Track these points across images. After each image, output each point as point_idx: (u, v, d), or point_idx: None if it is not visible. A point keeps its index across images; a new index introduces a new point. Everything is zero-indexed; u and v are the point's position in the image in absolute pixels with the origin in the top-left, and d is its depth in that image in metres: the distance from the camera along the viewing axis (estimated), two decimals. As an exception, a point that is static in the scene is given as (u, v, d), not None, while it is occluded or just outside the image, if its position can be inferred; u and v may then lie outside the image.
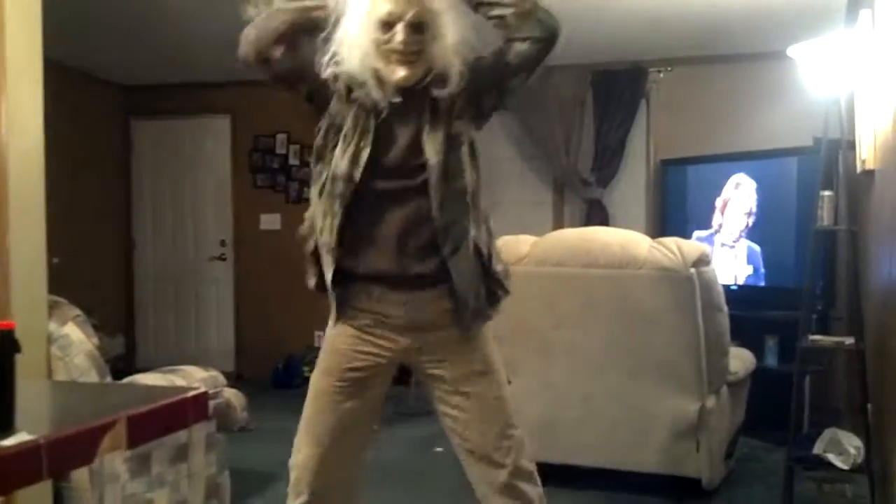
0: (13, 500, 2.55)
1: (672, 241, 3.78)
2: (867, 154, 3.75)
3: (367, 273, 2.23)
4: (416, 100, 2.16)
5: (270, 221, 7.48)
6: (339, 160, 2.16)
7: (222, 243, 7.62)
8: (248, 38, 2.23)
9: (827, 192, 4.12)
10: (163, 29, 5.83)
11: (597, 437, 3.89)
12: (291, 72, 2.27)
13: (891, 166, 2.93)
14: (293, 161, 7.44)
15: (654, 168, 6.71)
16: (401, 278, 2.20)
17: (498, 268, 2.28)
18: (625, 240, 3.87)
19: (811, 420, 4.87)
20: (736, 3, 5.18)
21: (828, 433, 4.24)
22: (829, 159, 4.38)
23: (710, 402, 3.79)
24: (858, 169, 4.23)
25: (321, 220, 2.22)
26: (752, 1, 5.12)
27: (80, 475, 2.79)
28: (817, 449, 4.23)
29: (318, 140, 2.25)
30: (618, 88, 6.63)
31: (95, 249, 7.19)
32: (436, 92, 2.14)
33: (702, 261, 3.72)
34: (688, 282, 3.64)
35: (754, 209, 5.69)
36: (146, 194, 7.81)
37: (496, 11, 2.17)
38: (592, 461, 3.95)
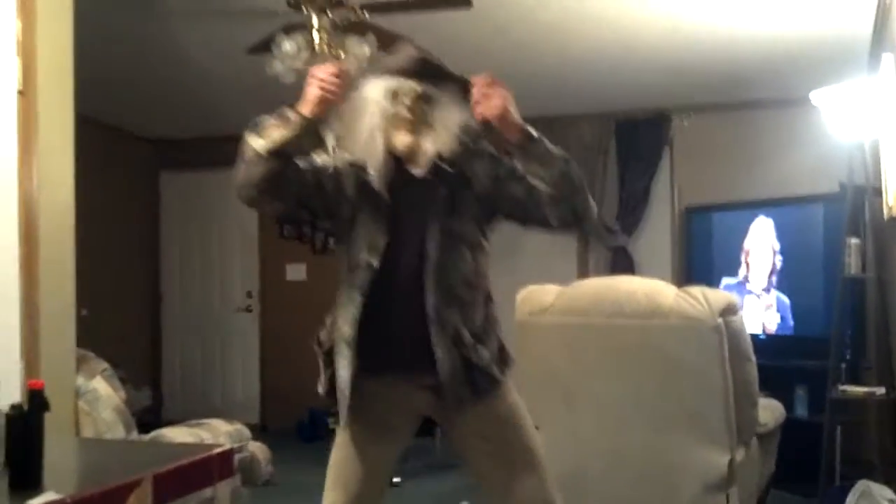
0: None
1: (698, 290, 3.75)
2: (894, 201, 3.72)
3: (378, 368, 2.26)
4: (423, 187, 2.20)
5: (296, 272, 7.52)
6: (360, 250, 2.19)
7: (248, 294, 7.66)
8: (237, 181, 2.23)
9: (854, 240, 4.10)
10: (190, 84, 5.94)
11: (624, 491, 3.83)
12: (291, 213, 2.35)
13: (918, 214, 2.91)
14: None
15: (678, 215, 6.70)
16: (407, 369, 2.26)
17: (483, 355, 2.25)
18: (650, 289, 3.84)
19: (842, 472, 4.77)
20: (758, 51, 5.20)
21: (860, 485, 4.16)
22: (855, 206, 4.36)
23: (740, 454, 3.72)
24: (885, 215, 4.20)
25: (341, 310, 2.25)
26: (774, 48, 5.14)
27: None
28: (849, 501, 4.16)
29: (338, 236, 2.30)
30: (641, 136, 6.65)
31: (123, 301, 7.25)
32: (413, 170, 2.19)
33: (729, 310, 3.68)
34: (715, 331, 3.60)
35: (778, 255, 5.65)
36: (174, 246, 7.89)
37: (529, 176, 2.16)
38: (620, 515, 3.89)
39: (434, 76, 2.24)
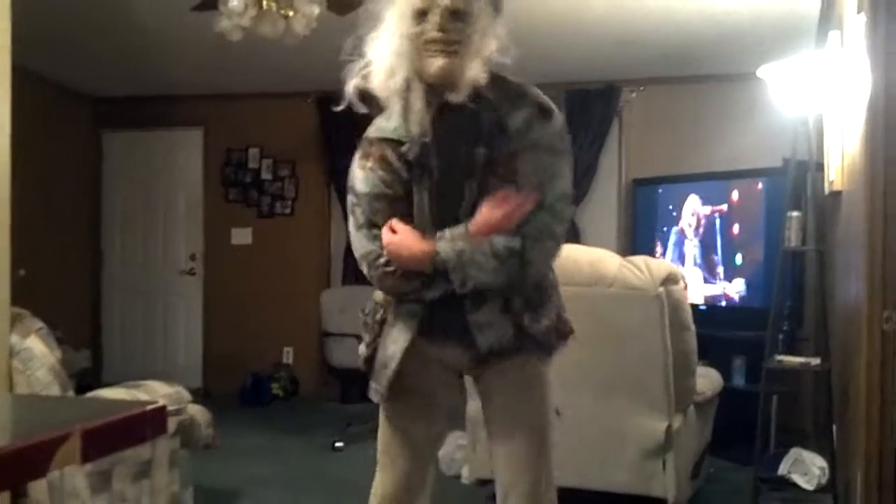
0: (-32, 515, 2.50)
1: (641, 260, 3.79)
2: (835, 175, 3.79)
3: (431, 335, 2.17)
4: (465, 120, 1.97)
5: (242, 236, 7.44)
6: (417, 215, 2.05)
7: (192, 257, 7.56)
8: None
9: (795, 213, 4.16)
10: (135, 41, 5.80)
11: (566, 456, 3.85)
12: None
13: (858, 188, 2.96)
14: (266, 175, 7.40)
15: (625, 187, 6.75)
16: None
17: (544, 333, 2.16)
18: (594, 258, 3.88)
19: (778, 440, 4.90)
20: (707, 25, 5.24)
21: (793, 453, 4.27)
22: (798, 180, 4.43)
23: (678, 421, 3.79)
24: (826, 190, 4.28)
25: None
26: (723, 22, 5.17)
27: (39, 490, 2.74)
28: (782, 469, 4.26)
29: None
30: (590, 107, 6.67)
31: (63, 262, 7.11)
32: (448, 96, 1.94)
33: (670, 279, 3.74)
34: (656, 300, 3.65)
35: (716, 226, 5.73)
36: (116, 207, 7.74)
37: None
38: (561, 481, 3.93)
39: None
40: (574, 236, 6.58)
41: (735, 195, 5.67)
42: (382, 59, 1.96)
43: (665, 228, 6.16)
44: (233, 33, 4.23)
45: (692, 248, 5.93)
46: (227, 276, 7.41)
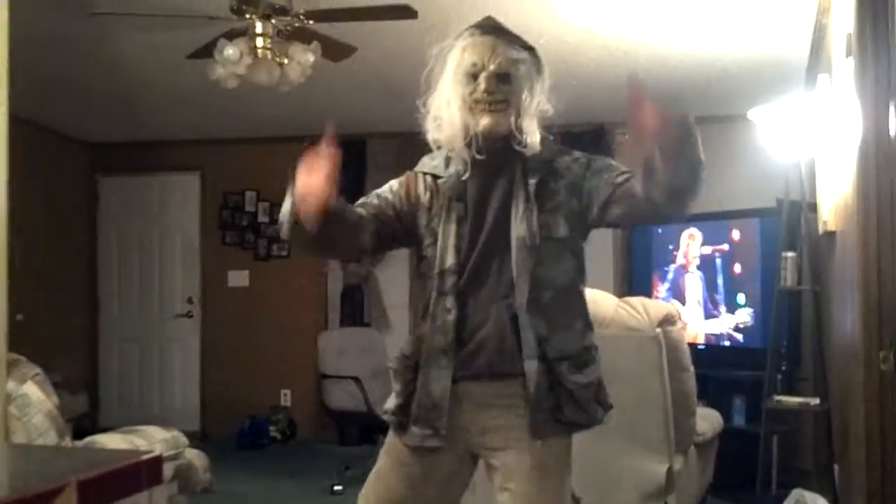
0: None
1: (638, 301, 3.79)
2: (828, 216, 3.81)
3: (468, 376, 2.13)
4: (506, 171, 2.11)
5: (238, 278, 7.44)
6: (443, 255, 2.10)
7: (189, 300, 7.56)
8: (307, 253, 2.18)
9: (790, 254, 4.18)
10: (131, 88, 5.84)
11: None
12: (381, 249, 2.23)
13: (851, 228, 2.98)
14: (262, 218, 7.42)
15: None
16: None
17: (583, 390, 2.11)
18: (591, 298, 3.85)
19: (779, 481, 4.86)
20: (696, 69, 5.29)
21: (794, 494, 4.24)
22: (791, 221, 4.45)
23: (678, 462, 3.77)
24: (820, 230, 4.30)
25: (430, 323, 2.11)
26: (712, 66, 5.23)
27: (34, 540, 2.71)
28: (784, 510, 4.22)
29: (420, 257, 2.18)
30: (582, 149, 6.66)
31: (60, 306, 7.10)
32: (517, 147, 2.10)
33: (668, 320, 3.73)
34: (654, 342, 3.65)
35: (716, 258, 5.75)
36: (112, 251, 7.75)
37: (629, 183, 2.06)
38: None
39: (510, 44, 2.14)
40: (570, 277, 6.60)
41: (736, 234, 5.69)
42: (444, 115, 2.13)
43: (665, 268, 6.16)
44: (228, 81, 4.27)
45: (695, 281, 5.92)
46: (225, 319, 7.40)
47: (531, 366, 2.06)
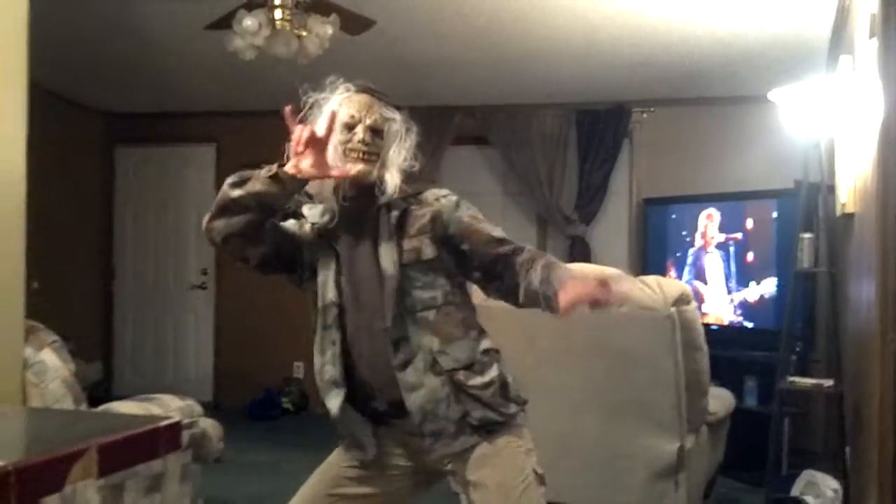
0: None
1: (653, 280, 3.79)
2: (846, 198, 3.78)
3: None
4: (370, 214, 2.21)
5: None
6: (324, 290, 2.23)
7: (203, 272, 7.59)
8: (209, 224, 2.22)
9: (807, 235, 4.16)
10: (149, 58, 5.85)
11: (573, 477, 3.87)
12: (269, 261, 2.27)
13: (869, 210, 2.96)
14: (277, 191, 7.41)
15: (636, 206, 6.75)
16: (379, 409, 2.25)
17: (484, 390, 2.20)
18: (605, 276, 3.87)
19: (789, 462, 4.87)
20: (718, 48, 5.25)
21: (805, 475, 4.24)
22: (809, 202, 4.43)
23: (689, 441, 3.77)
24: (838, 212, 4.27)
25: (320, 357, 2.26)
26: (734, 46, 5.19)
27: (50, 504, 2.74)
28: (795, 491, 4.24)
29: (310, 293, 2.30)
30: (601, 127, 6.69)
31: (75, 275, 7.15)
32: (379, 197, 2.20)
33: (682, 300, 3.73)
34: (668, 320, 3.64)
35: (730, 246, 5.73)
36: (128, 221, 7.79)
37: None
38: (568, 500, 3.93)
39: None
40: (585, 255, 6.60)
41: (750, 223, 5.66)
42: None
43: (679, 253, 6.15)
44: (246, 52, 4.27)
45: (715, 260, 5.89)
46: (238, 291, 7.43)
47: (426, 383, 2.16)
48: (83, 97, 7.16)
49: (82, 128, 7.36)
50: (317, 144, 2.08)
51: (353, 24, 4.42)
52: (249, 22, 4.08)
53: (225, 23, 4.23)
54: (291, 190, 2.13)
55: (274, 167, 2.14)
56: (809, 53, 5.09)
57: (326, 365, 2.24)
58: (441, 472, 2.31)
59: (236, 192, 2.13)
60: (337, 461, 2.33)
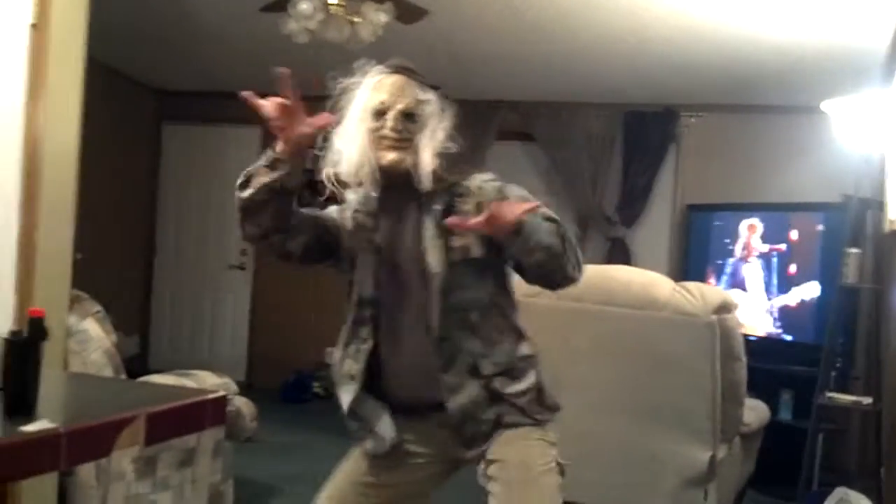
0: (19, 489, 2.55)
1: (695, 286, 3.76)
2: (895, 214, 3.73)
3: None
4: (412, 206, 2.15)
5: (292, 234, 7.49)
6: (362, 285, 2.18)
7: (243, 252, 7.65)
8: (247, 239, 2.17)
9: (854, 250, 4.10)
10: (203, 37, 5.90)
11: (602, 476, 3.85)
12: (312, 250, 2.24)
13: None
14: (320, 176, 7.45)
15: (679, 212, 6.70)
16: (414, 405, 2.20)
17: (520, 397, 2.15)
18: (647, 280, 3.85)
19: (821, 479, 4.81)
20: (771, 55, 5.18)
21: (838, 492, 4.19)
22: (858, 217, 4.37)
23: (722, 451, 3.74)
24: (886, 229, 4.21)
25: (342, 349, 2.25)
26: (788, 54, 5.11)
27: (86, 471, 2.79)
28: (826, 508, 4.18)
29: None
30: (648, 130, 6.64)
31: (118, 248, 7.23)
32: (416, 183, 2.12)
33: (724, 308, 3.69)
34: (708, 328, 3.61)
35: (773, 259, 5.67)
36: (172, 198, 7.87)
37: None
38: (595, 500, 3.91)
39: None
40: (625, 258, 6.56)
41: (794, 235, 5.60)
42: (350, 151, 2.15)
43: (719, 261, 6.09)
44: (300, 36, 4.30)
45: (756, 270, 5.84)
46: (276, 273, 7.46)
47: (467, 387, 2.11)
48: (136, 73, 7.24)
49: (134, 103, 7.44)
50: (287, 109, 2.03)
51: (407, 12, 4.42)
52: (305, 6, 4.10)
53: (280, 5, 4.26)
54: (295, 164, 2.06)
55: (268, 154, 2.07)
56: (865, 66, 5.00)
57: (347, 358, 2.22)
58: (465, 460, 2.26)
59: (247, 193, 2.07)
60: (354, 468, 2.31)
